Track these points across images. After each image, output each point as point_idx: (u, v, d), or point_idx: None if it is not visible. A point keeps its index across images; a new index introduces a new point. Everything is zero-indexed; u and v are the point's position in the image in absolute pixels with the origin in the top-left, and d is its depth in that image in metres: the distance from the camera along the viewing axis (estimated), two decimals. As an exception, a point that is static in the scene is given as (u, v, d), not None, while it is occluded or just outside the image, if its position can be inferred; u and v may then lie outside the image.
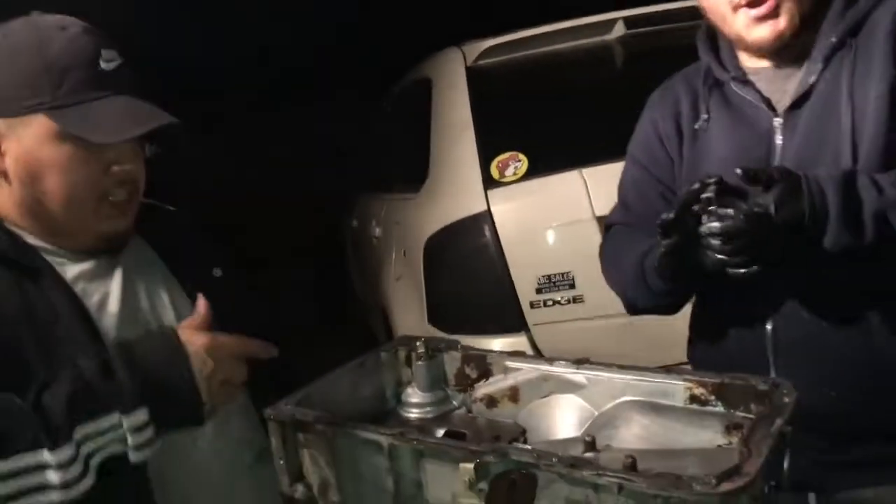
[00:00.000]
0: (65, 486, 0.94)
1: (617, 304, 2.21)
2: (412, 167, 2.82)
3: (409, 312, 2.61)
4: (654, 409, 1.03)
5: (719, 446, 0.95)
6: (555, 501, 0.88)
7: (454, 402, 1.22)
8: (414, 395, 1.22)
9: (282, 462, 1.10)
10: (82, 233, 1.13)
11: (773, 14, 1.25)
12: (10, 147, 1.09)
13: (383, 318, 3.03)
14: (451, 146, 2.50)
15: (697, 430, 0.98)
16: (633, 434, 1.01)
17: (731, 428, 0.96)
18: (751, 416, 0.96)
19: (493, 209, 2.25)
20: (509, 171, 2.29)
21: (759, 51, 1.31)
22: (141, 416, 0.97)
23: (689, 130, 1.40)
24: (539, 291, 2.22)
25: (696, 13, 2.63)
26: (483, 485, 0.89)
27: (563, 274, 2.21)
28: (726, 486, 0.75)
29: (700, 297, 1.42)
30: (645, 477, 0.79)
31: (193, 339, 1.03)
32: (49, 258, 1.11)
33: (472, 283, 2.29)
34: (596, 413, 1.08)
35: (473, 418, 1.19)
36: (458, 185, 2.40)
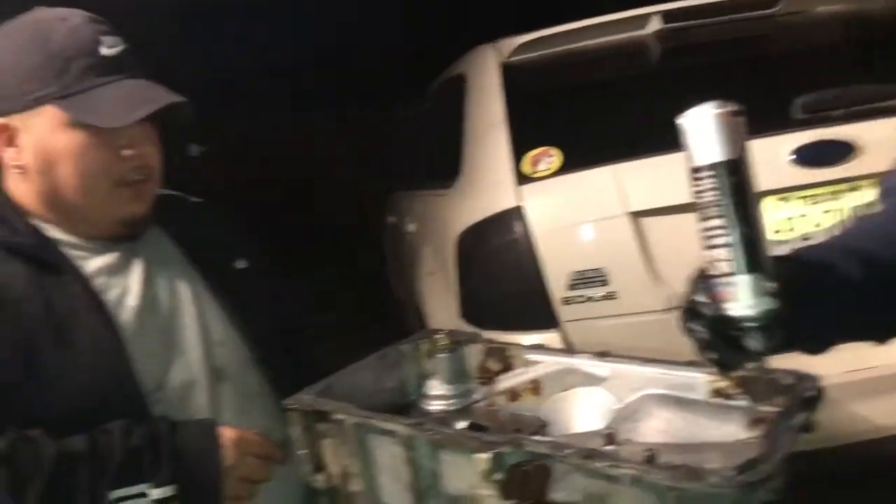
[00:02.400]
0: None
1: (651, 301, 2.19)
2: (445, 163, 2.82)
3: (441, 308, 2.60)
4: (676, 402, 1.01)
5: (742, 441, 0.93)
6: (572, 494, 0.87)
7: (476, 396, 1.21)
8: (435, 387, 1.22)
9: (303, 452, 1.11)
10: (100, 219, 1.15)
11: None
12: (25, 141, 1.12)
13: (417, 316, 3.04)
14: (483, 141, 2.49)
15: (720, 425, 0.96)
16: (654, 428, 1.00)
17: (754, 422, 0.94)
18: (775, 410, 0.94)
19: (525, 205, 2.23)
20: (542, 166, 2.27)
21: None
22: (168, 491, 1.03)
23: None
24: (572, 288, 2.19)
25: (733, 7, 2.60)
26: (498, 475, 0.88)
27: (595, 270, 2.18)
28: (744, 479, 0.73)
29: None
30: (661, 468, 0.77)
31: (226, 432, 1.09)
32: (70, 252, 1.13)
33: (504, 278, 2.27)
34: (618, 406, 1.06)
35: (495, 411, 1.18)
36: (490, 180, 2.38)
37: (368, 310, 5.07)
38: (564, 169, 2.26)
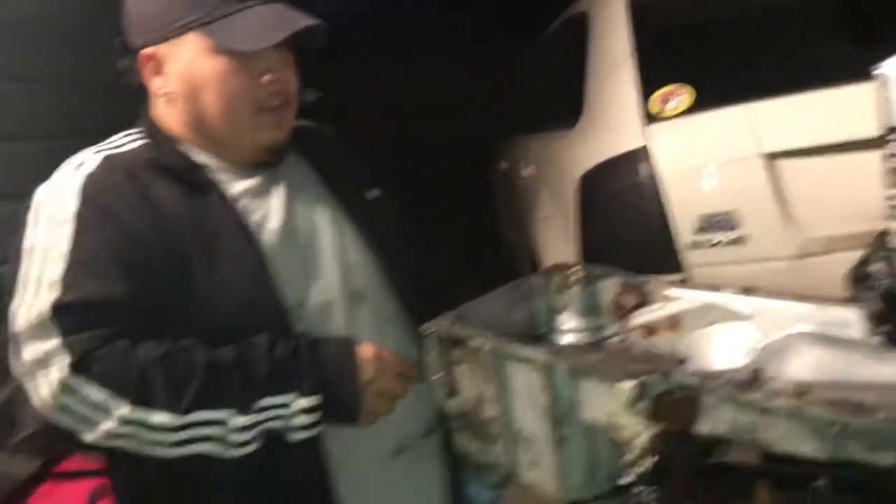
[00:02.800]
0: (236, 445, 1.05)
1: (784, 247, 2.10)
2: (565, 105, 2.76)
3: (558, 253, 2.57)
4: (828, 340, 0.97)
5: (904, 382, 0.88)
6: (718, 426, 0.85)
7: (608, 331, 1.20)
8: (567, 321, 1.21)
9: (437, 376, 1.13)
10: (243, 144, 1.18)
11: None
12: (172, 69, 1.15)
13: (531, 261, 3.02)
14: (608, 80, 2.42)
15: (876, 364, 0.91)
16: (803, 366, 0.96)
17: (918, 363, 0.89)
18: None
19: (652, 145, 2.17)
20: (671, 106, 2.19)
21: None
22: (311, 402, 1.07)
23: None
24: (699, 232, 2.13)
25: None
26: (641, 406, 0.87)
27: (725, 213, 2.11)
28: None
29: None
30: (822, 402, 0.74)
31: (364, 349, 1.12)
32: (216, 175, 1.17)
33: (628, 221, 2.22)
34: (763, 344, 1.02)
35: (628, 347, 1.17)
36: (615, 120, 2.32)
37: (478, 257, 5.09)
38: (695, 108, 2.17)
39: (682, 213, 2.14)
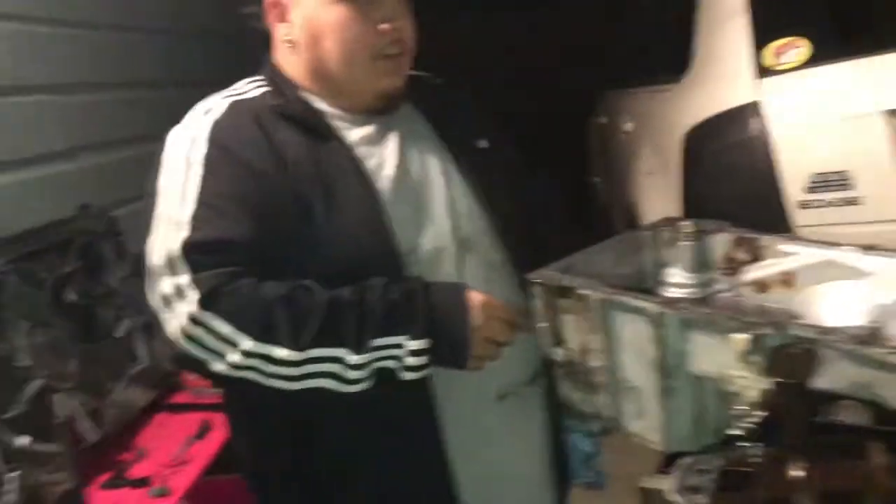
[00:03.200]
0: (351, 382, 1.09)
1: (901, 209, 2.01)
2: (671, 57, 2.68)
3: (659, 209, 2.53)
4: (956, 301, 0.93)
5: None
6: (837, 382, 0.84)
7: (719, 286, 1.18)
8: (676, 275, 1.20)
9: (543, 325, 1.15)
10: (361, 91, 1.21)
11: None
12: (296, 16, 1.19)
13: (628, 218, 2.98)
14: (718, 31, 2.33)
15: None
16: (927, 326, 0.93)
17: None
18: None
19: (764, 100, 2.09)
20: (787, 58, 2.10)
21: None
22: (422, 344, 1.10)
23: None
24: (810, 191, 2.05)
25: None
26: (755, 358, 0.86)
27: (839, 173, 2.03)
28: None
29: None
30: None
31: (474, 296, 1.14)
32: (334, 122, 1.21)
33: (736, 178, 2.16)
34: (884, 303, 0.99)
35: (740, 302, 1.15)
36: (726, 73, 2.24)
37: (578, 211, 5.04)
38: (813, 61, 2.08)
39: (793, 172, 2.07)
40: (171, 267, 1.08)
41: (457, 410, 1.22)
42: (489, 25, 6.02)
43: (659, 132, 2.62)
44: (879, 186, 2.02)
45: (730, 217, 2.19)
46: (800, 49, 2.10)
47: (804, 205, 2.07)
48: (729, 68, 2.23)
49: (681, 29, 2.58)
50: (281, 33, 1.22)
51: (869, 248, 1.04)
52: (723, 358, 0.91)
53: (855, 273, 1.04)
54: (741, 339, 0.86)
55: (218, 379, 1.12)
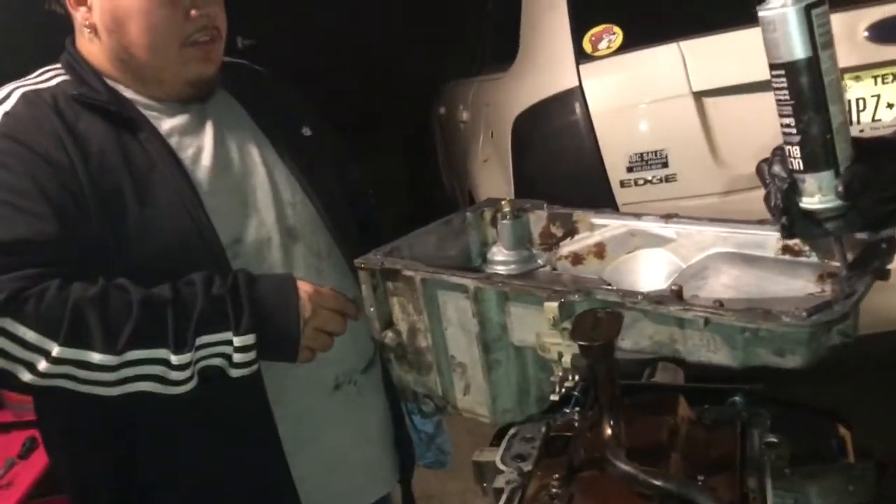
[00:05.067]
0: (175, 383, 1.05)
1: (711, 184, 2.16)
2: (502, 47, 2.76)
3: (495, 194, 2.60)
4: (744, 260, 1.01)
5: (812, 294, 0.93)
6: (639, 341, 0.89)
7: (539, 261, 1.22)
8: (499, 253, 1.23)
9: (372, 309, 1.15)
10: (170, 79, 1.17)
11: None
12: (95, 1, 1.13)
13: (470, 205, 3.04)
14: (541, 21, 2.42)
15: (789, 280, 0.96)
16: (722, 284, 1.00)
17: (823, 276, 0.94)
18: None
19: (584, 84, 2.19)
20: (603, 45, 2.21)
21: None
22: (249, 339, 1.07)
23: None
24: (630, 170, 2.17)
25: None
26: (567, 324, 0.90)
27: (656, 152, 2.15)
28: (818, 319, 0.73)
29: None
30: (733, 310, 0.78)
31: (302, 285, 1.11)
32: (145, 112, 1.16)
33: (561, 161, 2.25)
34: (684, 266, 1.06)
35: (558, 275, 1.20)
36: (549, 60, 2.33)
37: (418, 201, 5.10)
38: (626, 47, 2.20)
39: (614, 152, 2.18)
40: None
41: (291, 404, 1.20)
42: (320, 14, 5.95)
43: (493, 120, 2.69)
44: (691, 164, 2.16)
45: (560, 198, 2.31)
46: (614, 36, 2.21)
47: (625, 183, 2.19)
48: (552, 56, 2.31)
49: (509, 20, 2.66)
50: (81, 17, 1.15)
51: (668, 216, 1.10)
52: (539, 327, 0.95)
53: (659, 240, 1.10)
54: (551, 306, 0.90)
55: (28, 390, 1.05)
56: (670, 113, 2.15)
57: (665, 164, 2.16)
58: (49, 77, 1.15)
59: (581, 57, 2.22)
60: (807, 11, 0.81)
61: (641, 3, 2.29)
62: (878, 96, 2.10)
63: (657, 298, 0.84)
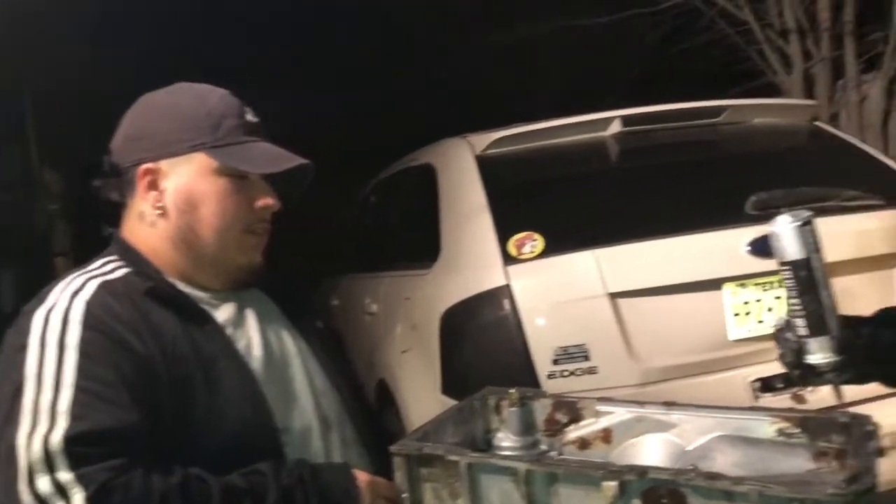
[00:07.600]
0: None
1: (628, 376, 2.39)
2: (418, 246, 2.97)
3: (419, 383, 2.71)
4: (745, 442, 1.17)
5: (812, 471, 1.10)
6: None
7: (543, 447, 1.34)
8: (505, 439, 1.34)
9: (405, 496, 1.20)
10: (225, 263, 1.25)
11: None
12: (170, 184, 1.22)
13: (379, 391, 3.11)
14: (465, 226, 2.66)
15: (789, 459, 1.13)
16: (728, 463, 1.15)
17: (818, 456, 1.12)
18: (833, 445, 1.12)
19: (512, 283, 2.41)
20: (526, 249, 2.46)
21: None
22: None
23: None
24: (556, 363, 2.36)
25: (683, 115, 2.94)
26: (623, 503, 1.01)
27: (578, 346, 2.37)
28: (856, 487, 0.90)
29: None
30: (781, 482, 0.93)
31: (360, 475, 1.20)
32: (201, 305, 1.22)
33: (491, 352, 2.41)
34: (688, 448, 1.21)
35: (564, 460, 1.31)
36: (476, 260, 2.55)
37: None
38: (547, 252, 2.46)
39: (541, 346, 2.38)
40: (47, 463, 0.98)
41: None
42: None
43: (415, 312, 2.84)
44: (609, 357, 2.39)
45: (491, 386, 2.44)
46: (536, 242, 2.48)
47: (551, 375, 2.37)
48: (479, 257, 2.54)
49: (422, 221, 2.89)
50: (150, 201, 1.22)
51: (668, 404, 1.27)
52: (591, 506, 1.05)
53: (662, 426, 1.25)
54: (610, 486, 1.01)
55: None
56: (589, 311, 2.40)
57: (587, 358, 2.37)
58: (113, 268, 1.20)
59: (507, 259, 2.46)
60: (802, 227, 1.12)
61: (557, 216, 2.59)
62: (760, 300, 2.46)
63: (710, 474, 0.98)
